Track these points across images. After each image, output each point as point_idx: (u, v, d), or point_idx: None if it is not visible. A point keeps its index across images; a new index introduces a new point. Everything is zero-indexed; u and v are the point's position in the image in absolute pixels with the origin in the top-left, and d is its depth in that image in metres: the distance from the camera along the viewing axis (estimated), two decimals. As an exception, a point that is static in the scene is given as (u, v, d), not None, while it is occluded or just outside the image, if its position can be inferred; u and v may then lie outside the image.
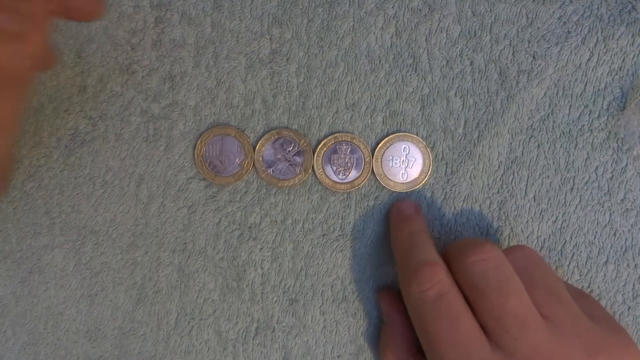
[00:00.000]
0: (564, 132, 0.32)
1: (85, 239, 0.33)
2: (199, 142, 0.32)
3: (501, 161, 0.32)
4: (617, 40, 0.32)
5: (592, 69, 0.32)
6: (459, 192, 0.32)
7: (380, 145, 0.32)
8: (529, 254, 0.28)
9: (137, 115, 0.32)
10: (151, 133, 0.32)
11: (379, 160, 0.32)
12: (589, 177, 0.32)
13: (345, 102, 0.32)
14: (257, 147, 0.32)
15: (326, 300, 0.33)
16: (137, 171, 0.32)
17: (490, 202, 0.32)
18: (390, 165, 0.32)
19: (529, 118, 0.32)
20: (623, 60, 0.32)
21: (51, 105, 0.33)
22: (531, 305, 0.25)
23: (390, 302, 0.31)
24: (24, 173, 0.33)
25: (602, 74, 0.32)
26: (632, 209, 0.32)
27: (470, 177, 0.32)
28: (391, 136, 0.32)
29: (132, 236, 0.33)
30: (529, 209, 0.32)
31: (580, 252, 0.32)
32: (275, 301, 0.33)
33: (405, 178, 0.32)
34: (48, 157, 0.33)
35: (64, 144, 0.32)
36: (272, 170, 0.32)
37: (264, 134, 0.32)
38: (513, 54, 0.32)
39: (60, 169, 0.33)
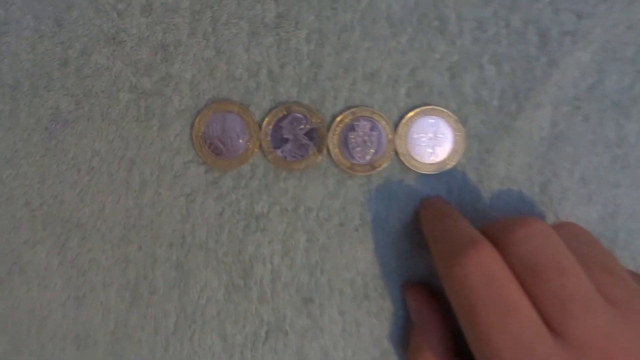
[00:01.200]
0: (614, 102, 0.29)
1: (70, 233, 0.31)
2: (197, 120, 0.30)
3: (543, 137, 0.29)
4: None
5: (647, 28, 0.29)
6: (495, 173, 0.30)
7: (404, 120, 0.29)
8: (579, 231, 0.26)
9: (126, 91, 0.30)
10: (142, 111, 0.30)
11: (403, 137, 0.29)
12: (645, 152, 0.29)
13: (363, 71, 0.29)
14: (264, 125, 0.30)
15: (345, 298, 0.30)
16: (128, 155, 0.30)
17: (531, 183, 0.30)
18: (416, 143, 0.29)
19: (574, 87, 0.29)
20: (683, 16, 0.28)
21: (28, 81, 0.30)
22: (592, 286, 0.23)
23: (421, 299, 0.29)
24: None
25: (659, 33, 0.29)
26: (696, 189, 0.29)
27: (507, 156, 0.29)
28: (417, 110, 0.29)
29: (123, 229, 0.31)
30: (576, 190, 0.29)
31: (635, 240, 0.29)
32: (288, 300, 0.30)
33: (433, 158, 0.29)
34: (26, 140, 0.31)
35: (44, 125, 0.30)
36: (281, 152, 0.30)
37: (270, 110, 0.30)
38: (555, 12, 0.29)
39: (41, 154, 0.31)
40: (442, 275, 0.25)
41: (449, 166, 0.29)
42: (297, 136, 0.29)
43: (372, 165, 0.29)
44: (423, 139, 0.29)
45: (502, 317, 0.22)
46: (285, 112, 0.29)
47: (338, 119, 0.29)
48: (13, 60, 0.30)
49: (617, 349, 0.21)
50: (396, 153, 0.30)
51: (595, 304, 0.22)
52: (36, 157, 0.31)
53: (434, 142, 0.29)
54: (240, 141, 0.30)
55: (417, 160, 0.29)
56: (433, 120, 0.29)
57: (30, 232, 0.31)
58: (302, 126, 0.29)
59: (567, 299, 0.22)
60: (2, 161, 0.31)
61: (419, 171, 0.29)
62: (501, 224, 0.25)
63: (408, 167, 0.30)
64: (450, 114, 0.29)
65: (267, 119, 0.30)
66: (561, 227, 0.25)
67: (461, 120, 0.29)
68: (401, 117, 0.29)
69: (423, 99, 0.29)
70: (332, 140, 0.29)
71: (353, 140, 0.29)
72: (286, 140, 0.30)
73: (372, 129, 0.29)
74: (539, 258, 0.23)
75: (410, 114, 0.29)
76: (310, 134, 0.29)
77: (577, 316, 0.22)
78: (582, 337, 0.21)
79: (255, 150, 0.30)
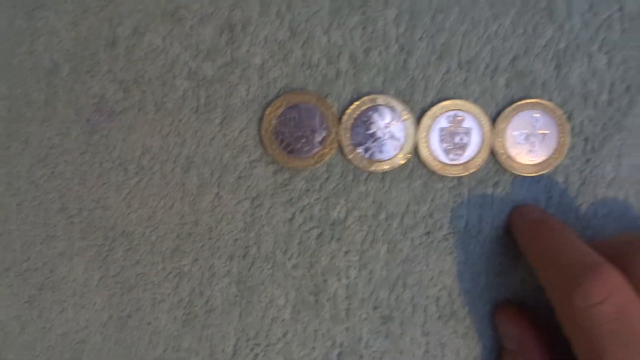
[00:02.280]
0: None
1: (114, 244, 0.30)
2: (266, 113, 0.28)
3: None
4: None
5: None
6: (602, 176, 0.28)
7: (502, 115, 0.28)
8: None
9: (184, 78, 0.29)
10: (203, 102, 0.29)
11: (501, 134, 0.28)
12: None
13: (459, 59, 0.28)
14: (344, 119, 0.28)
15: (430, 317, 0.29)
16: (184, 152, 0.29)
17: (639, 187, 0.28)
18: (515, 141, 0.28)
19: None
20: None
21: (68, 64, 0.29)
22: None
23: (516, 323, 0.27)
24: (31, 157, 0.30)
25: None
26: None
27: (617, 157, 0.28)
28: (517, 104, 0.28)
29: (177, 239, 0.29)
30: None
31: None
32: (364, 319, 0.29)
33: (533, 158, 0.28)
34: (64, 135, 0.30)
35: (86, 117, 0.29)
36: (363, 150, 0.28)
37: (352, 102, 0.28)
38: None
39: (81, 150, 0.30)
40: (556, 304, 0.24)
41: (551, 168, 0.28)
42: (382, 132, 0.28)
43: (465, 166, 0.28)
44: (523, 137, 0.28)
45: (636, 356, 0.21)
46: (369, 105, 0.28)
47: (429, 112, 0.28)
48: (51, 39, 0.29)
49: None
50: (492, 152, 0.28)
51: None
52: (75, 154, 0.30)
53: (535, 140, 0.28)
54: (316, 138, 0.28)
55: (515, 161, 0.28)
56: (536, 115, 0.27)
57: (66, 243, 0.30)
58: (387, 121, 0.28)
59: None
60: (36, 159, 0.30)
61: (517, 173, 0.28)
62: (623, 243, 0.24)
63: (505, 169, 0.28)
64: (555, 108, 0.28)
65: (347, 112, 0.28)
66: None
67: (566, 115, 0.28)
68: (499, 112, 0.28)
69: (524, 91, 0.28)
70: (421, 137, 0.28)
71: (445, 137, 0.28)
72: (369, 137, 0.28)
73: (466, 125, 0.28)
74: None
75: (510, 107, 0.28)
76: (396, 130, 0.28)
77: None
78: None
79: (333, 147, 0.28)
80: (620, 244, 0.24)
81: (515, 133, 0.27)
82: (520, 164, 0.28)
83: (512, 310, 0.28)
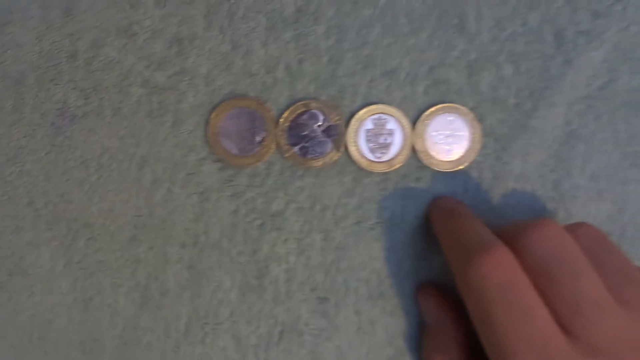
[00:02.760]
0: (624, 102, 0.30)
1: (77, 234, 0.30)
2: (212, 116, 0.29)
3: (556, 135, 0.30)
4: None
5: (658, 30, 0.30)
6: (510, 171, 0.30)
7: (422, 117, 0.29)
8: (592, 231, 0.26)
9: (138, 85, 0.30)
10: (155, 107, 0.30)
11: (421, 135, 0.29)
12: (655, 150, 0.30)
13: (382, 68, 0.29)
14: (281, 121, 0.29)
15: (361, 297, 0.30)
16: (139, 152, 0.30)
17: (544, 181, 0.30)
18: (434, 141, 0.29)
19: (587, 86, 0.29)
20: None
21: (33, 74, 0.30)
22: (604, 288, 0.23)
23: (435, 302, 0.29)
24: (1, 156, 0.30)
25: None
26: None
27: (523, 154, 0.30)
28: (435, 107, 0.29)
29: (133, 229, 0.30)
30: (586, 188, 0.30)
31: (643, 235, 0.30)
32: (303, 300, 0.30)
33: (450, 156, 0.29)
34: (31, 136, 0.30)
35: (50, 121, 0.30)
36: (298, 149, 0.29)
37: (288, 107, 0.29)
38: (573, 11, 0.29)
39: (46, 150, 0.30)
40: (456, 278, 0.25)
41: (466, 164, 0.29)
42: (315, 133, 0.29)
43: (389, 163, 0.29)
44: (440, 137, 0.29)
45: (518, 321, 0.22)
46: (303, 109, 0.29)
47: (356, 116, 0.29)
48: (18, 51, 0.29)
49: (629, 350, 0.22)
50: (414, 151, 0.29)
51: (608, 305, 0.23)
52: (41, 154, 0.30)
53: (451, 140, 0.29)
54: (257, 138, 0.29)
55: (434, 158, 0.29)
56: (451, 118, 0.29)
57: (33, 233, 0.30)
58: (319, 123, 0.29)
59: (580, 301, 0.22)
60: (5, 158, 0.30)
61: (436, 168, 0.29)
62: (515, 226, 0.25)
63: (425, 165, 0.29)
64: (468, 111, 0.29)
65: (284, 116, 0.29)
66: (575, 228, 0.26)
67: (478, 118, 0.29)
68: (419, 115, 0.29)
69: (441, 97, 0.29)
70: (350, 138, 0.29)
71: (371, 138, 0.29)
72: (303, 138, 0.29)
73: (389, 126, 0.29)
74: (553, 261, 0.23)
75: (428, 111, 0.29)
76: (328, 131, 0.29)
77: (589, 318, 0.22)
78: (594, 339, 0.22)
79: (272, 147, 0.29)
80: (513, 227, 0.25)
81: (433, 133, 0.29)
82: (439, 160, 0.29)
83: (432, 291, 0.29)
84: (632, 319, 0.23)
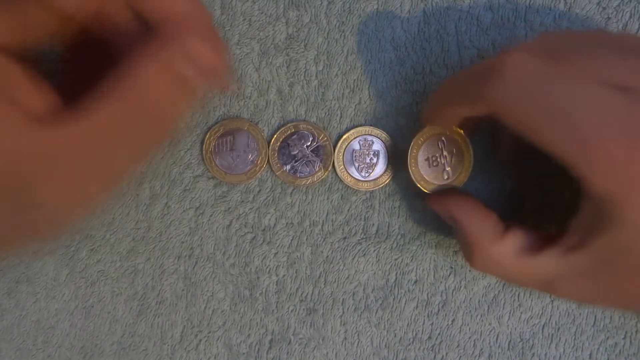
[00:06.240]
0: None
1: (79, 245, 0.31)
2: (207, 136, 0.30)
3: None
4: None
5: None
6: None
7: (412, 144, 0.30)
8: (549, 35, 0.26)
9: None
10: None
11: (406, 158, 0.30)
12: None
13: (369, 92, 0.30)
14: (272, 141, 0.30)
15: (347, 309, 0.31)
16: (138, 169, 0.30)
17: None
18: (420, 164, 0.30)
19: None
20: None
21: None
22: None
23: (456, 203, 0.27)
24: None
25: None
26: None
27: None
28: (421, 133, 0.30)
29: (132, 241, 0.31)
30: None
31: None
32: (292, 311, 0.31)
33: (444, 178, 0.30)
34: None
35: None
36: (289, 168, 0.30)
37: (279, 128, 0.30)
38: None
39: None
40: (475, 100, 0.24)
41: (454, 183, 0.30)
42: (304, 153, 0.30)
43: (375, 182, 0.30)
44: (423, 158, 0.30)
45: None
46: (293, 130, 0.30)
47: (344, 137, 0.30)
48: None
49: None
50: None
51: None
52: None
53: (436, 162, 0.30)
54: (249, 157, 0.30)
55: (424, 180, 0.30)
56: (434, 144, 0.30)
57: (39, 244, 0.31)
58: (309, 143, 0.30)
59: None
60: None
61: (423, 189, 0.30)
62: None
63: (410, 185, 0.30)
64: (454, 132, 0.29)
65: (275, 136, 0.30)
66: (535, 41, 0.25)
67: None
68: (403, 137, 0.30)
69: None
70: (338, 158, 0.30)
71: (358, 158, 0.30)
72: (293, 157, 0.30)
73: (375, 148, 0.30)
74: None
75: (416, 136, 0.29)
76: (316, 151, 0.30)
77: None
78: None
79: (264, 166, 0.30)
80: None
81: (419, 158, 0.29)
82: (429, 182, 0.29)
83: (441, 199, 0.28)
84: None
